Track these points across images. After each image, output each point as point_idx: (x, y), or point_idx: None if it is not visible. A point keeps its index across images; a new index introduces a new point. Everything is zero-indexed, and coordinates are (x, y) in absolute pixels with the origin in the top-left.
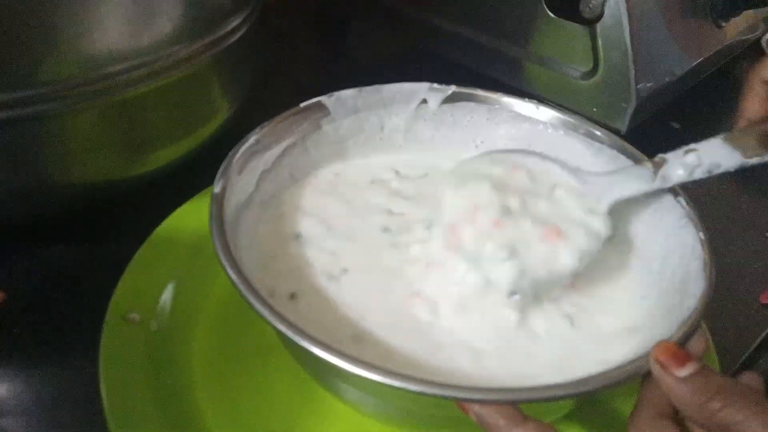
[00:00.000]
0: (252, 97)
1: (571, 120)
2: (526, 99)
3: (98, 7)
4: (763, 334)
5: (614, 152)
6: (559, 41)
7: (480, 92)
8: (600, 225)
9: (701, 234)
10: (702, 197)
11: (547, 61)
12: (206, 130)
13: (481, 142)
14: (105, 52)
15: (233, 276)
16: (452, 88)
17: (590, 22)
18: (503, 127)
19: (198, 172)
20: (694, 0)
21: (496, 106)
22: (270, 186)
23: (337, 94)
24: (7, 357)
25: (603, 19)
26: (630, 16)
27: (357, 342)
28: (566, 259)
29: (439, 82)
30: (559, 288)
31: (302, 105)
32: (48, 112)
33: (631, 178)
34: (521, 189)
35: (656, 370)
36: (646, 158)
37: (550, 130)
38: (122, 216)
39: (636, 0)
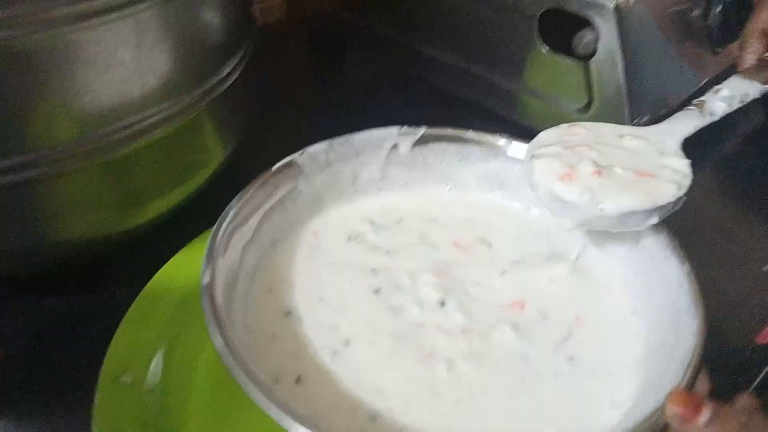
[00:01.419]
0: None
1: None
2: (497, 134)
3: (87, 72)
4: (760, 377)
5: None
6: (553, 76)
7: (449, 131)
8: (680, 162)
9: (686, 267)
10: (699, 228)
11: (542, 94)
12: (201, 177)
13: (454, 186)
14: (96, 116)
15: (244, 383)
16: (422, 130)
17: (584, 58)
18: (475, 164)
19: (193, 215)
20: (690, 28)
21: (467, 145)
22: (253, 257)
23: (307, 150)
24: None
25: (597, 55)
26: (624, 52)
27: (375, 421)
28: (667, 190)
29: (435, 110)
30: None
31: (275, 168)
32: (41, 176)
33: (685, 119)
34: (591, 143)
35: (677, 423)
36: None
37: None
38: (116, 264)
39: (630, 36)
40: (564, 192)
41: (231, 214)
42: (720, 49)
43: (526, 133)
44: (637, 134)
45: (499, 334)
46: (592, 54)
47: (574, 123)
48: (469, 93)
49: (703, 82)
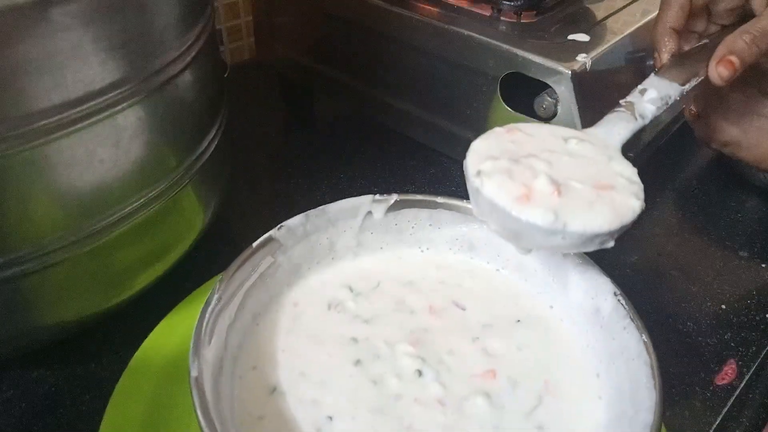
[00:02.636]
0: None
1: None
2: (464, 201)
3: (68, 174)
4: (718, 420)
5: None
6: None
7: (420, 197)
8: (629, 169)
9: (644, 337)
10: (660, 267)
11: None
12: (184, 246)
13: (427, 248)
14: (78, 212)
15: None
16: (394, 198)
17: (546, 119)
18: (446, 228)
19: (175, 279)
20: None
21: (438, 209)
22: (237, 336)
23: (285, 224)
24: None
25: (557, 117)
26: (582, 114)
27: None
28: (631, 204)
29: (402, 159)
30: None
31: (254, 245)
32: (27, 271)
33: (619, 123)
34: (536, 150)
35: None
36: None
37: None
38: (101, 333)
39: (587, 98)
40: (525, 215)
41: (214, 300)
42: None
43: None
44: (580, 137)
45: (471, 406)
46: (554, 115)
47: (509, 126)
48: (437, 144)
49: (657, 131)
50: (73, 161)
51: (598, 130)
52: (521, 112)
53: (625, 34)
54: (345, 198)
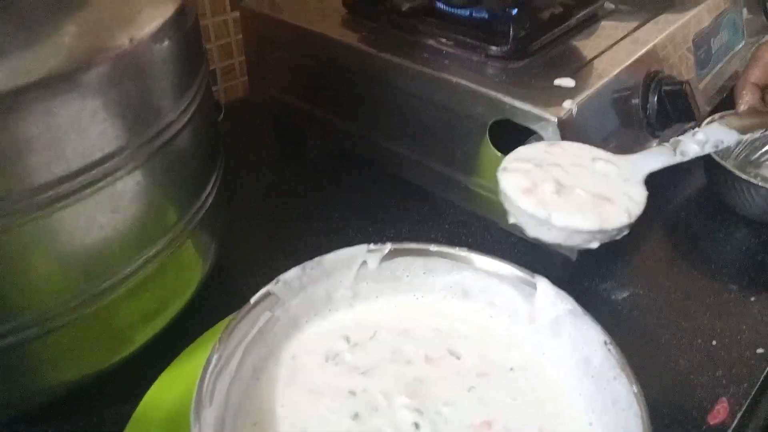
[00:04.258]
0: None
1: (502, 268)
2: (457, 248)
3: (68, 242)
4: None
5: (548, 299)
6: None
7: (414, 246)
8: (639, 191)
9: (635, 388)
10: (651, 303)
11: (497, 191)
12: (185, 297)
13: (421, 296)
14: (80, 277)
15: None
16: (388, 247)
17: None
18: (440, 276)
19: (176, 328)
20: (630, 116)
21: (432, 258)
22: (237, 393)
23: (282, 278)
24: None
25: None
26: None
27: None
28: (617, 216)
29: (393, 200)
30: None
31: (252, 301)
32: (31, 336)
33: (657, 155)
34: (562, 161)
35: None
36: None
37: (483, 277)
38: (103, 385)
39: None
40: (522, 202)
41: (214, 359)
42: (660, 133)
43: (486, 224)
44: (610, 159)
45: None
46: None
47: (554, 142)
48: (429, 185)
49: None
50: (74, 229)
51: (633, 157)
52: None
53: (611, 76)
54: (339, 238)
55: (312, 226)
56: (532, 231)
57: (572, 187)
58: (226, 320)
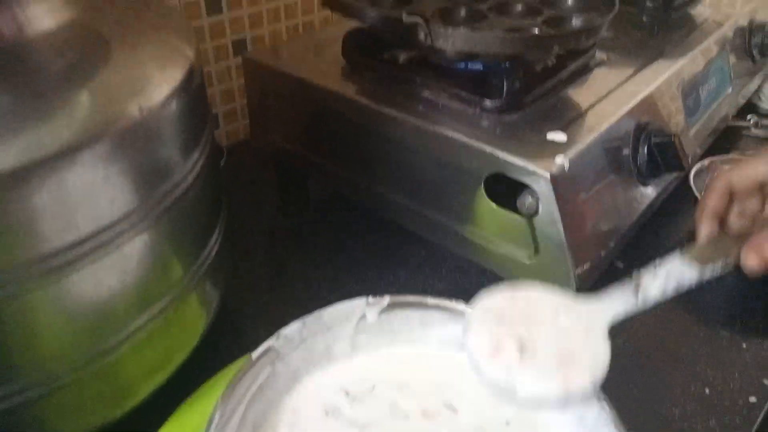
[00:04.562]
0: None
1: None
2: (454, 302)
3: (75, 304)
4: None
5: None
6: (502, 226)
7: (412, 299)
8: (602, 346)
9: None
10: (645, 349)
11: (492, 240)
12: (187, 349)
13: (419, 349)
14: (85, 338)
15: None
16: (386, 300)
17: (528, 217)
18: (437, 328)
19: (178, 378)
20: (620, 165)
21: (429, 310)
22: None
23: (282, 332)
24: None
25: (539, 215)
26: (562, 213)
27: None
28: (582, 381)
29: (393, 242)
30: None
31: (254, 356)
32: (31, 398)
33: (618, 301)
34: (527, 320)
35: None
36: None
37: None
38: None
39: (567, 198)
40: (488, 369)
41: (216, 417)
42: (650, 182)
43: (482, 270)
44: (572, 308)
45: None
46: (536, 213)
47: (517, 287)
48: (427, 233)
49: (636, 215)
50: (82, 292)
51: (595, 305)
52: (506, 208)
53: (601, 130)
54: (338, 285)
55: (312, 271)
56: (497, 395)
57: (535, 345)
58: (227, 370)
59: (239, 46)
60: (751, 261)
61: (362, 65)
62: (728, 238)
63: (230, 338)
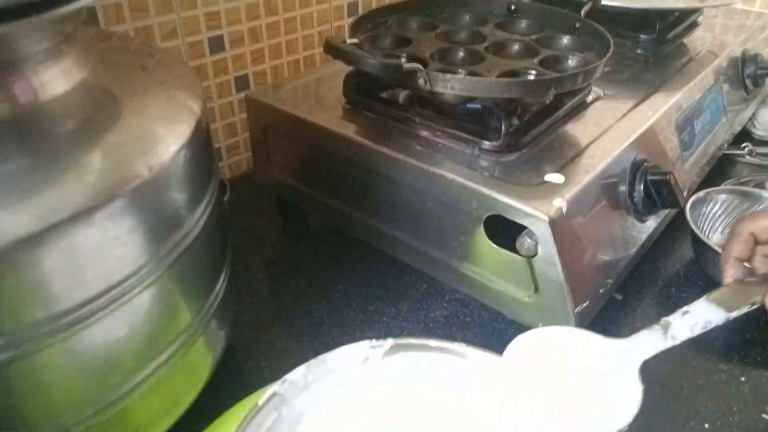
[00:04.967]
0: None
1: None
2: (455, 343)
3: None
4: None
5: None
6: (502, 265)
7: (414, 341)
8: (635, 384)
9: None
10: (645, 384)
11: (493, 279)
12: (194, 392)
13: (423, 389)
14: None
15: None
16: (390, 343)
17: (528, 257)
18: (440, 369)
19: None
20: (617, 202)
21: (432, 351)
22: None
23: (288, 378)
24: None
25: (537, 256)
26: (561, 254)
27: None
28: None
29: (394, 275)
30: None
31: (260, 402)
32: None
33: (648, 341)
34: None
35: None
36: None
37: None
38: None
39: (565, 240)
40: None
41: None
42: (646, 218)
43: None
44: (599, 352)
45: None
46: (535, 254)
47: (554, 329)
48: (425, 268)
49: (634, 251)
50: (91, 346)
51: (624, 345)
52: (506, 248)
53: (598, 170)
54: (341, 318)
55: (314, 305)
56: None
57: (566, 393)
58: (231, 412)
59: (242, 82)
60: None
61: (362, 105)
62: (754, 282)
63: (234, 377)
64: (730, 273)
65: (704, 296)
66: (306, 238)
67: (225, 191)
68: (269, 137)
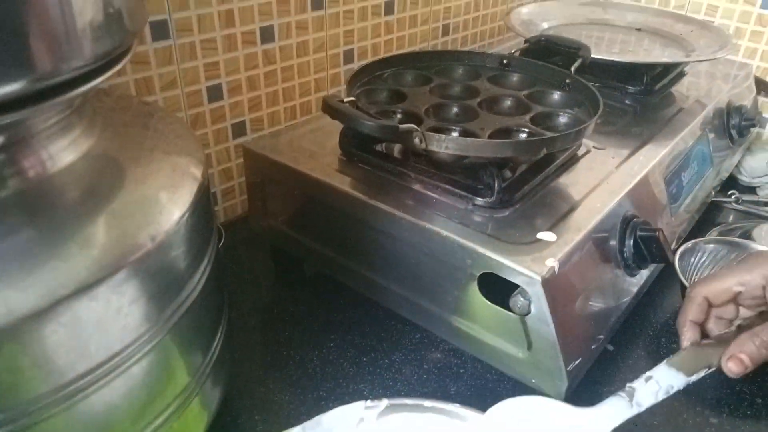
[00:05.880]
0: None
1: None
2: (450, 404)
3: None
4: None
5: None
6: (496, 322)
7: (409, 402)
8: None
9: None
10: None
11: (487, 334)
12: None
13: None
14: None
15: None
16: (384, 403)
17: (521, 315)
18: (434, 429)
19: None
20: (607, 256)
21: (426, 412)
22: None
23: None
24: None
25: (531, 314)
26: (553, 313)
27: None
28: None
29: (388, 324)
30: None
31: None
32: None
33: (615, 410)
34: None
35: None
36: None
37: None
38: None
39: (557, 299)
40: None
41: None
42: (636, 272)
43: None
44: (574, 420)
45: None
46: (528, 312)
47: (522, 399)
48: (418, 321)
49: (625, 305)
50: (90, 414)
51: (592, 413)
52: (500, 305)
53: (589, 228)
54: (334, 369)
55: (308, 355)
56: None
57: None
58: None
59: (238, 128)
60: (731, 367)
61: (358, 157)
62: (710, 344)
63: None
64: (687, 336)
65: (665, 360)
66: (300, 283)
67: (220, 238)
68: (265, 186)
